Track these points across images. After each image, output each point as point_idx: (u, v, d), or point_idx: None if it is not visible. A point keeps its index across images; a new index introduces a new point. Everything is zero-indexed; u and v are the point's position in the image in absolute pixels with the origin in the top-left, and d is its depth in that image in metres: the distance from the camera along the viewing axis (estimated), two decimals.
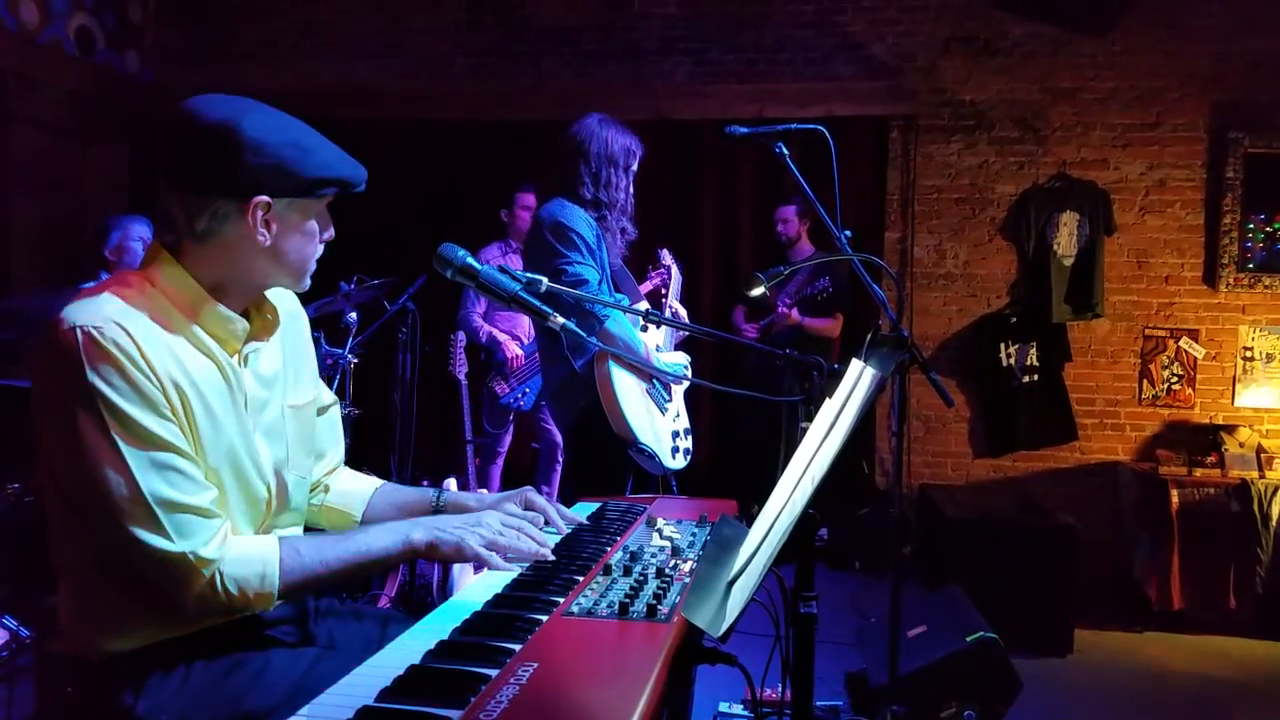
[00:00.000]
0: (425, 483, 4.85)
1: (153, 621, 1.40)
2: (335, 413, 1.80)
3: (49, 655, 1.46)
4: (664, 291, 3.68)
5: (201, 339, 1.43)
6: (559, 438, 4.93)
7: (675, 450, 3.08)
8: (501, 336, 4.86)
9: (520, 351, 4.86)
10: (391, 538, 1.51)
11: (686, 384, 3.20)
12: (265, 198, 1.40)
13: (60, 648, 1.44)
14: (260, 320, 1.55)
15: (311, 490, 1.73)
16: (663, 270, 3.77)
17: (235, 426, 1.46)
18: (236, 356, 1.49)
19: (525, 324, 4.93)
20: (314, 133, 1.47)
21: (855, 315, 5.53)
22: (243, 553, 1.38)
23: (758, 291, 2.67)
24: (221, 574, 1.34)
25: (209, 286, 1.44)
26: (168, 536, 1.31)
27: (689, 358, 3.25)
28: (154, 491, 1.31)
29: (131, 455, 1.30)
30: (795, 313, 4.96)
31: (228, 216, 1.40)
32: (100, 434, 1.30)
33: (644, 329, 3.04)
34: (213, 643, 1.44)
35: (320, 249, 1.53)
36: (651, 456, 2.92)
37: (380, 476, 1.94)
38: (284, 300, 1.64)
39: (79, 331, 1.30)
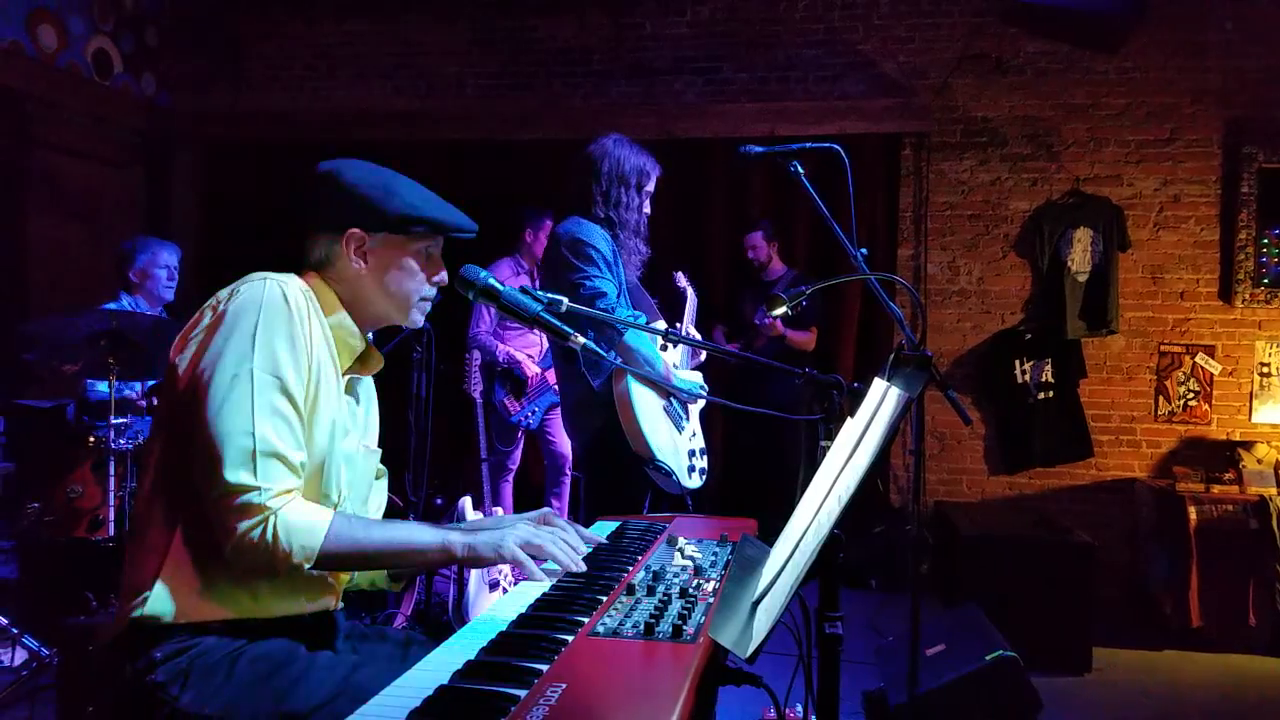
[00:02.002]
0: (439, 501, 4.86)
1: (202, 585, 1.47)
2: (384, 484, 1.89)
3: (100, 650, 1.50)
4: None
5: (331, 344, 1.61)
6: (565, 450, 4.95)
7: (692, 469, 3.08)
8: (520, 356, 4.87)
9: (538, 370, 4.88)
10: (433, 535, 1.57)
11: (703, 403, 3.20)
12: (358, 230, 1.63)
13: (112, 636, 1.48)
14: (367, 357, 1.72)
15: None
16: (680, 291, 3.78)
17: (335, 424, 1.59)
18: (345, 378, 1.65)
19: (538, 342, 4.95)
20: (411, 184, 1.69)
21: (867, 331, 5.55)
22: (301, 507, 1.46)
23: (779, 311, 2.68)
24: (275, 520, 1.41)
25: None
26: (252, 473, 1.41)
27: (702, 378, 3.25)
28: (262, 431, 1.43)
29: (260, 393, 1.44)
30: (779, 324, 4.98)
31: (332, 247, 1.64)
32: (245, 364, 1.44)
33: (663, 348, 3.04)
34: (259, 637, 1.49)
35: (431, 290, 1.72)
36: (669, 474, 2.92)
37: (395, 495, 1.99)
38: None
39: (271, 282, 1.51)
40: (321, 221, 1.65)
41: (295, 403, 1.48)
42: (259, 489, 1.40)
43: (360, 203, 1.62)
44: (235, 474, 1.39)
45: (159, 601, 1.44)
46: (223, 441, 1.40)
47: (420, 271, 1.68)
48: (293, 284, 1.54)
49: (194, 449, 1.43)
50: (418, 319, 1.73)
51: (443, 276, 1.73)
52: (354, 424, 1.69)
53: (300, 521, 1.43)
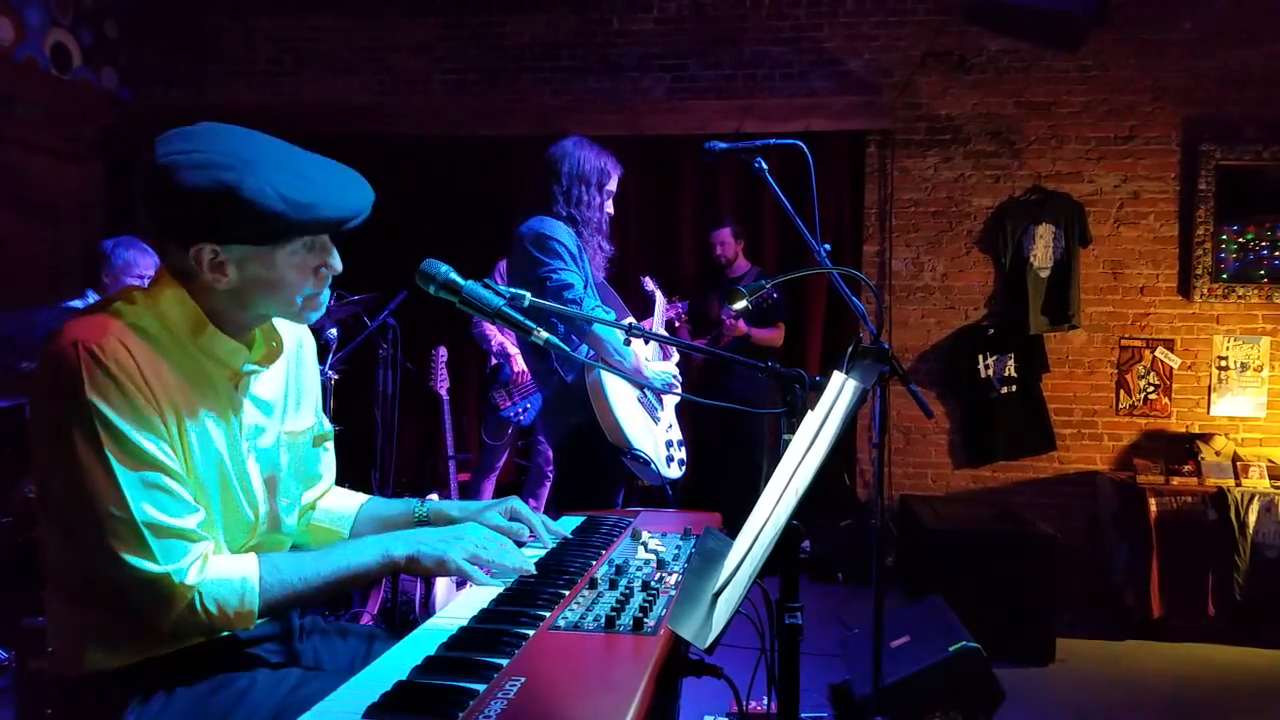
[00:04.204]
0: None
1: (136, 639, 1.39)
2: (331, 444, 1.81)
3: (32, 674, 1.45)
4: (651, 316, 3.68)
5: (200, 361, 1.43)
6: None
7: (670, 459, 3.09)
8: (512, 349, 4.84)
9: (524, 367, 4.85)
10: (372, 553, 1.50)
11: (678, 397, 3.21)
12: (207, 245, 1.36)
13: (45, 666, 1.43)
14: (264, 347, 1.54)
15: (300, 513, 1.73)
16: (648, 295, 3.79)
17: (227, 449, 1.46)
18: (235, 382, 1.50)
19: None
20: (276, 163, 1.36)
21: (833, 327, 5.59)
22: (222, 572, 1.37)
23: (740, 305, 2.70)
24: (201, 594, 1.33)
25: (208, 314, 1.43)
26: (152, 558, 1.30)
27: (676, 369, 3.25)
28: (142, 513, 1.30)
29: (123, 474, 1.30)
30: (742, 324, 5.01)
31: (184, 260, 1.38)
32: (94, 451, 1.29)
33: (627, 342, 3.05)
34: (197, 663, 1.43)
35: (321, 283, 1.47)
36: (647, 464, 2.92)
37: (362, 493, 1.94)
38: (292, 328, 1.64)
39: (79, 347, 1.30)
40: (166, 227, 1.38)
41: (163, 464, 1.33)
42: (168, 573, 1.31)
43: (203, 213, 1.32)
44: (140, 561, 1.30)
45: (92, 662, 1.38)
46: (110, 536, 1.29)
47: (297, 277, 1.43)
48: (108, 336, 1.32)
49: (83, 544, 1.33)
50: (310, 317, 1.51)
51: (333, 265, 1.47)
52: (266, 418, 1.56)
53: (227, 592, 1.36)
